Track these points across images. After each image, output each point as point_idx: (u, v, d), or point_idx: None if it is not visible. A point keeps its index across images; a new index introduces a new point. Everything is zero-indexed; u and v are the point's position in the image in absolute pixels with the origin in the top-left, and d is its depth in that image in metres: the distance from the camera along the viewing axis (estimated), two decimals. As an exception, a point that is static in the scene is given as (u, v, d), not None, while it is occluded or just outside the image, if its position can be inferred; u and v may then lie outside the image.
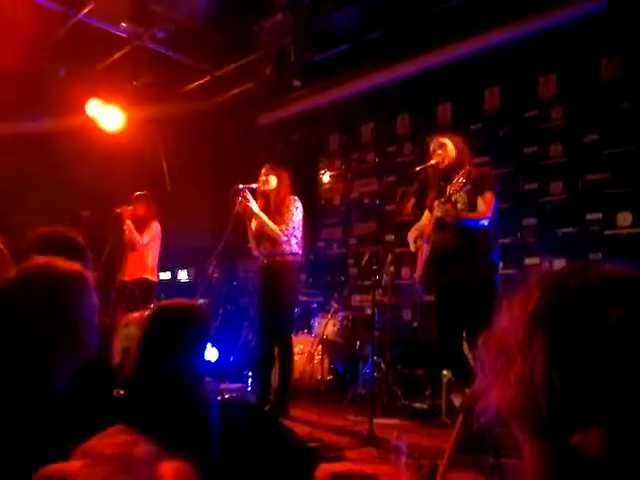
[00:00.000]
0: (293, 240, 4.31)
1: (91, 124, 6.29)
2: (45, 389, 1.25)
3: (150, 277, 5.45)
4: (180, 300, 1.96)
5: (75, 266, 1.40)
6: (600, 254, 4.84)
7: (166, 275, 7.88)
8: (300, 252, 4.41)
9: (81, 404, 1.37)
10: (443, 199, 3.48)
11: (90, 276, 1.40)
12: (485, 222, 3.55)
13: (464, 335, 3.61)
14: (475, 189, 3.51)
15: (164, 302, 1.91)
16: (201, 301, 6.34)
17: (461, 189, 3.43)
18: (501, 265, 3.83)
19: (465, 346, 3.62)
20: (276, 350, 4.37)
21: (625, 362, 0.60)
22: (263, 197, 4.42)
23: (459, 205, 3.55)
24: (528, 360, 0.64)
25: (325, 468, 2.71)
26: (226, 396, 2.51)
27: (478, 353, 0.76)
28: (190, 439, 1.52)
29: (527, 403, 0.64)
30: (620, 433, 0.60)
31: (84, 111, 6.23)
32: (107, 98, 6.36)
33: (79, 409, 1.33)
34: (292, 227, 4.30)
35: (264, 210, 4.38)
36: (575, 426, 0.61)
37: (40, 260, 1.35)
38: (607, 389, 0.60)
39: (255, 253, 4.50)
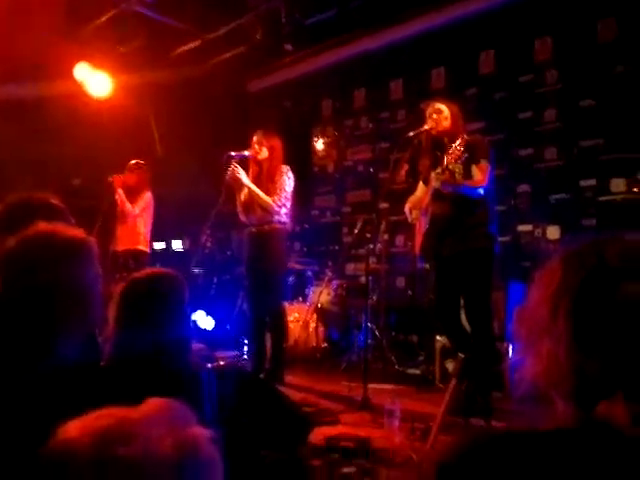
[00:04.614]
0: (283, 210, 4.27)
1: (79, 90, 6.15)
2: (53, 359, 1.22)
3: (143, 248, 5.41)
4: (150, 270, 1.91)
5: (79, 232, 1.35)
6: (594, 220, 4.84)
7: (161, 245, 7.85)
8: (288, 221, 4.37)
9: (76, 374, 1.35)
10: (440, 169, 3.42)
11: (94, 243, 1.36)
12: (481, 191, 3.51)
13: (462, 304, 3.63)
14: (470, 158, 3.46)
15: (135, 274, 1.86)
16: (195, 270, 6.33)
17: (459, 158, 3.36)
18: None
19: (462, 314, 3.63)
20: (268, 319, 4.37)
21: None
22: (256, 164, 4.36)
23: (457, 176, 3.51)
24: (554, 338, 0.71)
25: (320, 432, 2.74)
26: (221, 363, 2.51)
27: (513, 326, 0.83)
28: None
29: (557, 376, 0.71)
30: None
31: (71, 77, 6.09)
32: (95, 63, 6.20)
33: (76, 379, 1.31)
34: (284, 197, 4.26)
35: (257, 177, 4.33)
36: (601, 397, 0.68)
37: (42, 227, 1.30)
38: (627, 362, 0.67)
39: (243, 220, 4.44)
